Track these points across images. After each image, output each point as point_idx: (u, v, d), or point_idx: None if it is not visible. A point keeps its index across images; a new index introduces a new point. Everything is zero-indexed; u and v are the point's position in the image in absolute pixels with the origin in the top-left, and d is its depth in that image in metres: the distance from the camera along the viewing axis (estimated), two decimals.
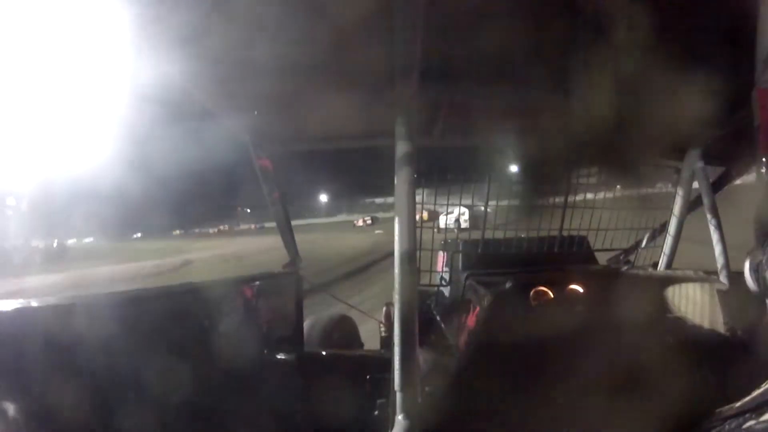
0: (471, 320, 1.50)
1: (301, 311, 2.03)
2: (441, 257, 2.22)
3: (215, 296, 1.57)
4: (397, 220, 0.91)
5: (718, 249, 1.50)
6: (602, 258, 2.07)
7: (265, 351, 1.78)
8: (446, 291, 2.10)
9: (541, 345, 1.11)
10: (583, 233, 2.01)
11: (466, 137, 1.82)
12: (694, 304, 1.35)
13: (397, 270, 0.90)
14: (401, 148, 0.92)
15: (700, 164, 1.62)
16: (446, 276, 2.09)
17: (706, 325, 1.30)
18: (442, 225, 2.46)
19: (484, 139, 1.81)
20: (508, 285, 1.34)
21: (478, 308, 1.47)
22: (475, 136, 1.79)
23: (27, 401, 0.95)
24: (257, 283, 1.82)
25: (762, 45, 0.70)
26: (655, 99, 1.22)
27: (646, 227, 1.99)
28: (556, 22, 0.98)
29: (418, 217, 1.79)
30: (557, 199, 1.99)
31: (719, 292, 1.33)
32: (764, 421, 0.49)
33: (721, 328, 1.28)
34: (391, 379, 0.88)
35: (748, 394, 0.55)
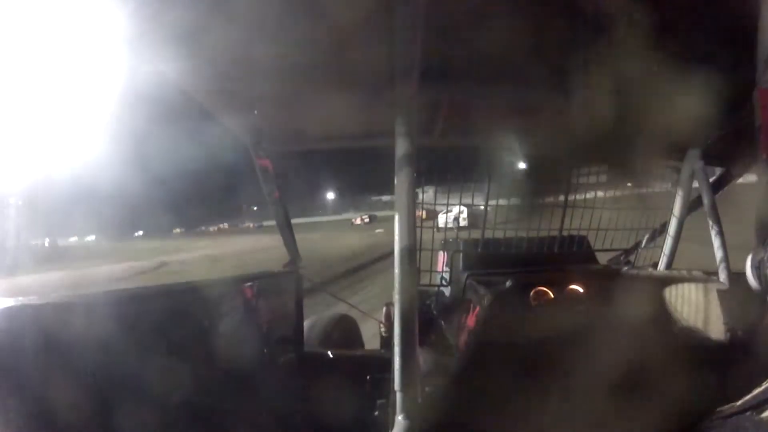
0: (471, 320, 1.50)
1: (302, 311, 2.03)
2: (441, 257, 2.23)
3: (215, 295, 1.57)
4: (397, 219, 0.91)
5: (718, 249, 1.50)
6: (602, 258, 2.07)
7: (265, 351, 1.78)
8: (446, 291, 2.11)
9: (541, 345, 1.11)
10: (583, 233, 2.01)
11: (466, 137, 1.82)
12: (694, 304, 1.35)
13: (397, 270, 0.90)
14: (401, 148, 0.92)
15: (700, 164, 1.62)
16: (446, 276, 2.09)
17: (706, 325, 1.30)
18: (441, 224, 2.46)
19: (484, 139, 1.81)
20: (508, 285, 1.34)
21: (478, 308, 1.47)
22: (475, 136, 1.79)
23: (26, 401, 0.95)
24: (257, 282, 1.82)
25: (763, 45, 0.70)
26: (655, 99, 1.22)
27: (646, 227, 1.99)
28: (556, 22, 0.98)
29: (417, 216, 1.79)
30: (557, 199, 1.99)
31: (719, 292, 1.33)
32: (765, 418, 0.49)
33: (721, 328, 1.28)
34: (391, 379, 0.88)
35: (749, 393, 0.55)
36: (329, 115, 1.47)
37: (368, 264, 10.04)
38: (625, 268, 1.83)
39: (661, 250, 1.82)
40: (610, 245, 2.02)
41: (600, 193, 2.12)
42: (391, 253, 0.93)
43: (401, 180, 0.92)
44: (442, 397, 1.16)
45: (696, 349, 1.20)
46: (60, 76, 1.01)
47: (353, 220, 28.98)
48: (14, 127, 1.17)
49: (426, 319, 2.05)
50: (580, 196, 2.01)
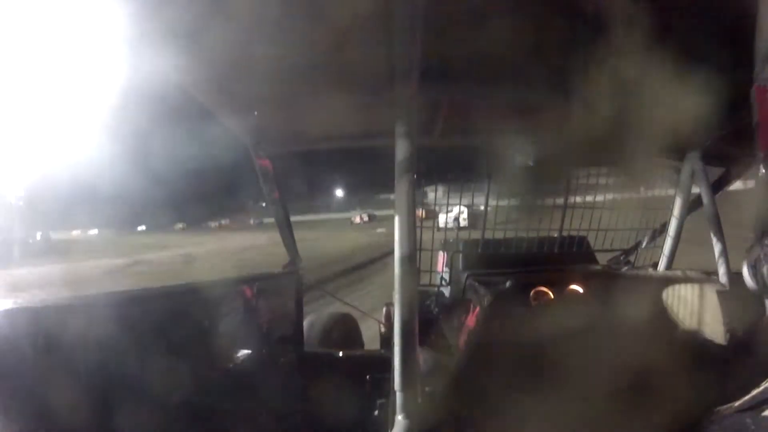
0: (471, 320, 1.50)
1: (301, 311, 2.03)
2: (441, 257, 2.23)
3: (215, 296, 1.57)
4: (397, 219, 0.91)
5: (718, 249, 1.50)
6: (602, 258, 2.07)
7: (265, 351, 1.78)
8: (446, 291, 2.11)
9: (540, 345, 1.11)
10: (583, 233, 2.01)
11: (466, 137, 1.82)
12: (694, 304, 1.36)
13: (397, 270, 0.90)
14: (401, 148, 0.92)
15: (700, 164, 1.62)
16: (446, 276, 2.09)
17: (706, 325, 1.30)
18: (441, 224, 2.47)
19: (484, 139, 1.81)
20: (508, 285, 1.34)
21: (478, 308, 1.47)
22: (475, 136, 1.79)
23: (26, 402, 0.95)
24: (257, 282, 1.82)
25: (759, 43, 0.70)
26: (655, 99, 1.22)
27: (646, 227, 1.99)
28: (556, 22, 0.98)
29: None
30: (557, 199, 1.99)
31: (719, 292, 1.33)
32: (763, 419, 0.49)
33: (720, 328, 1.28)
34: (391, 379, 0.88)
35: (748, 393, 0.55)
36: (329, 116, 1.47)
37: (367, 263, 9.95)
38: (625, 269, 1.83)
39: (661, 251, 1.82)
40: (610, 245, 2.02)
41: (600, 194, 2.12)
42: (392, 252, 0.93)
43: (401, 180, 0.92)
44: (442, 397, 1.16)
45: (695, 349, 1.20)
46: (66, 76, 1.02)
47: (353, 218, 28.94)
48: (19, 126, 1.18)
49: (426, 319, 2.05)
50: (580, 197, 2.01)
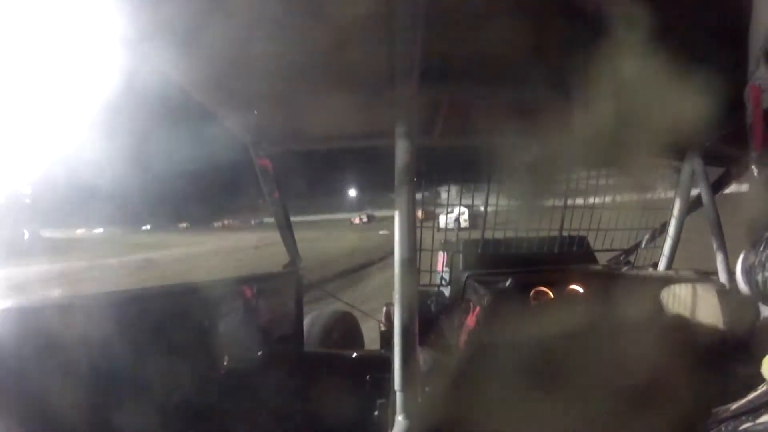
0: (471, 320, 1.50)
1: (301, 310, 2.03)
2: (441, 257, 2.23)
3: (215, 296, 1.57)
4: (397, 219, 0.91)
5: (717, 250, 1.50)
6: (602, 258, 2.07)
7: (265, 351, 1.78)
8: (446, 291, 2.11)
9: (541, 345, 1.11)
10: (583, 233, 2.01)
11: (466, 137, 1.82)
12: (694, 304, 1.35)
13: (397, 270, 0.90)
14: (401, 148, 0.92)
15: (700, 164, 1.62)
16: (446, 276, 2.09)
17: (705, 325, 1.30)
18: (442, 225, 2.47)
19: (484, 139, 1.81)
20: (508, 285, 1.34)
21: (478, 308, 1.47)
22: (475, 136, 1.79)
23: (26, 401, 0.95)
24: (257, 282, 1.82)
25: (754, 41, 0.70)
26: (654, 99, 1.21)
27: (646, 227, 1.99)
28: (556, 22, 0.98)
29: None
30: (557, 199, 1.99)
31: (719, 292, 1.33)
32: (761, 423, 0.49)
33: (720, 328, 1.28)
34: (391, 379, 0.88)
35: (746, 395, 0.55)
36: (329, 115, 1.47)
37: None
38: (625, 269, 1.83)
39: (661, 251, 1.82)
40: (610, 245, 2.02)
41: (600, 194, 2.12)
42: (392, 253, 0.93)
43: (401, 180, 0.92)
44: (442, 397, 1.16)
45: (694, 350, 1.20)
46: (67, 76, 1.02)
47: (352, 219, 28.89)
48: (22, 125, 1.18)
49: (426, 319, 2.05)
50: (580, 197, 2.01)
